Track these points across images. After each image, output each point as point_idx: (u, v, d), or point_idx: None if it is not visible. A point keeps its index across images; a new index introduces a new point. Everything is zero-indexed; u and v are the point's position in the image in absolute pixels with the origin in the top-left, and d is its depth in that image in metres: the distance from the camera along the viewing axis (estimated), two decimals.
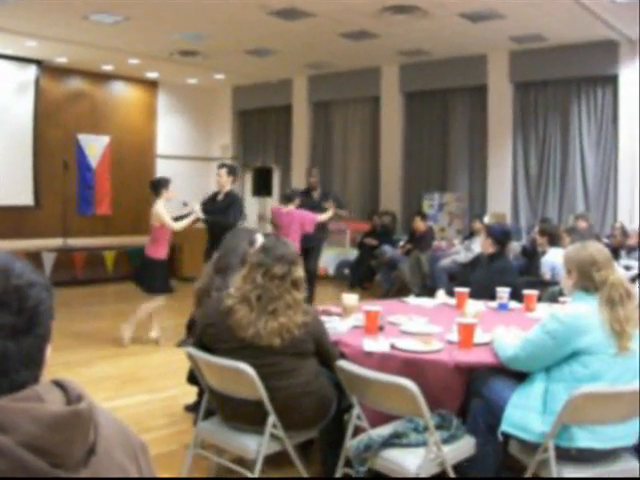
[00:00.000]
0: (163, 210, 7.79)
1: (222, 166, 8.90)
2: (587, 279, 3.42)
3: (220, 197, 8.68)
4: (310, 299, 8.71)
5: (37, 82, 13.88)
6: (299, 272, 3.62)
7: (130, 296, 9.13)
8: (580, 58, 11.76)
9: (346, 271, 13.03)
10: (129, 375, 6.57)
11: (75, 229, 13.65)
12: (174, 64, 13.81)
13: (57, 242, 12.78)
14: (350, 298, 4.62)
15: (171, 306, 8.53)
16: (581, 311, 3.32)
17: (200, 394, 4.73)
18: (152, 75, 15.34)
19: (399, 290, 11.36)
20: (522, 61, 12.45)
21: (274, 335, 3.44)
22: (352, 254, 13.17)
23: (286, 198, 9.76)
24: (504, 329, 3.88)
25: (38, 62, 13.75)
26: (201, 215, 8.28)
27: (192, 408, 5.22)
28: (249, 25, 10.93)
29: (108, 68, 14.51)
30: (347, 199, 14.02)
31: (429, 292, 10.50)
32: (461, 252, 11.06)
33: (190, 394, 5.29)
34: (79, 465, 1.22)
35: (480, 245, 6.27)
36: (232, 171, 8.80)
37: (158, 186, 8.08)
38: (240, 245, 4.44)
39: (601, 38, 11.26)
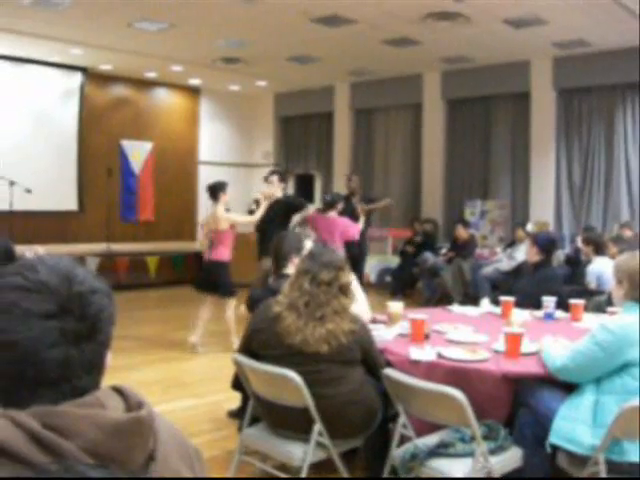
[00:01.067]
0: (224, 212, 7.89)
1: (274, 172, 8.93)
2: (637, 289, 3.37)
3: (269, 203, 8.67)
4: None
5: (82, 89, 14.06)
6: (346, 278, 3.62)
7: (173, 301, 9.22)
8: (624, 64, 11.60)
9: (388, 278, 12.99)
10: (173, 380, 6.62)
11: (118, 234, 13.79)
12: (217, 71, 13.91)
13: (101, 247, 12.92)
14: (395, 306, 4.60)
15: (213, 313, 8.55)
16: (632, 322, 3.27)
17: (244, 400, 4.75)
18: (195, 82, 15.45)
19: (441, 298, 11.31)
20: (565, 67, 12.33)
21: (322, 341, 3.44)
22: (394, 261, 13.13)
23: (328, 204, 9.69)
24: (552, 339, 3.84)
25: (83, 69, 13.93)
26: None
27: (235, 414, 5.23)
28: (291, 32, 10.98)
29: (151, 75, 14.65)
30: (388, 206, 13.99)
31: (471, 300, 10.45)
32: (504, 260, 10.97)
33: (234, 400, 5.30)
34: (139, 471, 1.24)
35: (525, 253, 6.21)
36: (284, 177, 8.86)
37: (216, 190, 8.20)
38: (292, 250, 4.48)
39: None
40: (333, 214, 9.46)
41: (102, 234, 13.34)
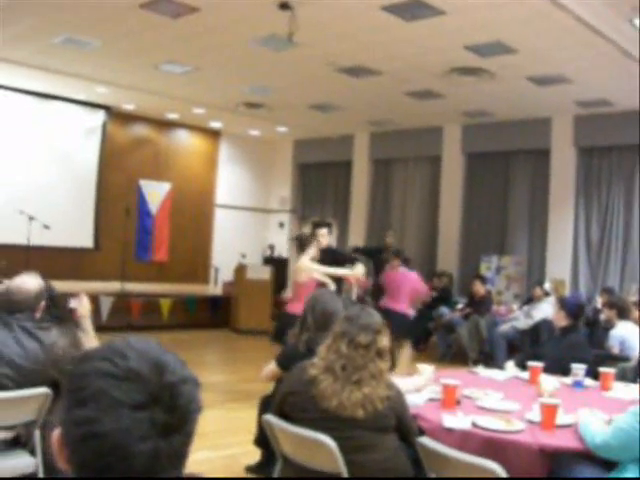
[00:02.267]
0: (307, 264, 7.59)
1: (324, 225, 8.79)
2: None
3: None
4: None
5: (104, 127, 14.17)
6: (384, 341, 3.56)
7: (186, 345, 9.14)
8: None
9: None
10: None
11: (132, 274, 13.77)
12: (238, 115, 14.00)
13: (114, 286, 12.90)
14: (426, 370, 4.55)
15: (225, 360, 8.48)
16: None
17: (266, 457, 4.66)
18: (215, 125, 15.55)
19: (455, 354, 11.22)
20: (587, 126, 12.36)
21: (357, 406, 3.37)
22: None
23: (405, 259, 9.65)
24: (588, 412, 3.75)
25: (106, 108, 14.04)
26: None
27: (254, 469, 5.14)
28: (315, 80, 11.06)
29: (173, 116, 14.75)
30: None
31: (486, 357, 10.38)
32: (520, 318, 10.88)
33: (252, 454, 5.20)
34: None
35: (554, 318, 6.13)
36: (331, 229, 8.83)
37: (304, 242, 7.91)
38: (339, 307, 4.44)
39: None
40: (403, 268, 9.40)
41: (116, 273, 13.33)
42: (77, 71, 11.27)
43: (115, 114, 14.36)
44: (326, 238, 8.48)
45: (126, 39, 9.42)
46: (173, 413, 1.18)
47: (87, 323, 4.19)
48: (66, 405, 1.18)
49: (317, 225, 9.05)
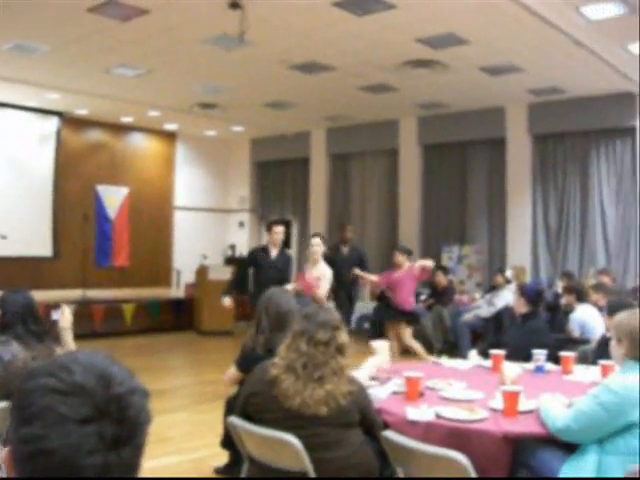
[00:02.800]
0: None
1: (280, 223, 9.04)
2: (638, 348, 3.34)
3: (275, 254, 8.69)
4: None
5: (58, 134, 14.00)
6: (343, 337, 3.57)
7: (150, 350, 9.08)
8: (598, 110, 11.79)
9: (366, 325, 12.91)
10: (154, 435, 6.37)
11: (93, 280, 13.64)
12: (193, 116, 13.92)
13: (76, 293, 12.77)
14: (382, 346, 4.59)
15: (190, 362, 8.43)
16: (635, 382, 3.24)
17: (234, 458, 4.65)
18: (171, 127, 15.46)
19: (420, 345, 11.24)
20: (540, 113, 12.49)
21: (320, 404, 3.37)
22: (372, 308, 13.04)
23: (407, 251, 9.81)
24: (550, 397, 3.79)
25: (59, 114, 13.87)
26: None
27: (223, 471, 5.12)
28: (269, 78, 11.03)
29: (128, 120, 14.63)
30: (365, 251, 14.03)
31: (451, 347, 10.45)
32: (483, 306, 10.96)
33: (220, 455, 5.18)
34: None
35: (513, 304, 6.19)
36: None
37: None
38: (292, 305, 4.42)
39: (619, 90, 11.30)
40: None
41: (77, 280, 13.21)
42: (27, 78, 11.11)
43: (69, 120, 14.19)
44: (281, 235, 8.53)
45: (75, 44, 9.31)
46: (122, 425, 1.16)
47: (68, 335, 4.18)
48: (14, 423, 1.16)
49: (273, 223, 9.04)
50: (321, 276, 8.41)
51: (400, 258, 9.48)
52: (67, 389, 1.14)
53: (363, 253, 11.58)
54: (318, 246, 8.62)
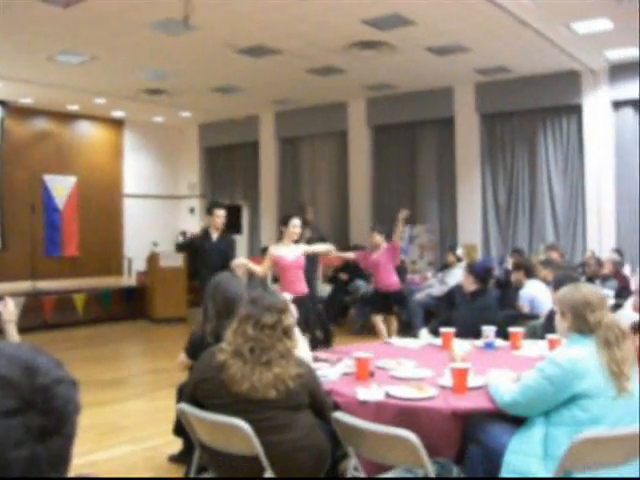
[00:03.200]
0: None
1: (222, 206, 8.81)
2: (582, 321, 3.39)
3: (216, 237, 8.58)
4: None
5: (2, 123, 13.74)
6: (289, 320, 3.56)
7: (102, 340, 9.00)
8: (544, 88, 11.93)
9: (319, 307, 12.91)
10: (108, 425, 6.39)
11: (43, 271, 13.45)
12: (140, 103, 13.77)
13: (25, 285, 12.57)
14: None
15: (143, 351, 8.36)
16: (579, 354, 3.29)
17: (187, 445, 4.62)
18: (118, 114, 15.27)
19: (373, 326, 11.29)
20: (488, 93, 12.59)
21: (269, 387, 3.36)
22: (325, 290, 13.06)
23: (383, 230, 9.74)
24: (498, 372, 3.84)
25: (2, 103, 13.61)
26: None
27: (177, 459, 5.09)
28: (215, 63, 10.95)
29: (74, 108, 14.42)
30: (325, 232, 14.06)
31: (404, 326, 10.50)
32: (435, 285, 11.05)
33: (174, 443, 5.16)
34: None
35: (462, 282, 6.24)
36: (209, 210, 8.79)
37: None
38: (240, 291, 4.35)
39: (564, 69, 11.44)
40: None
41: (26, 272, 13.01)
42: None
43: (13, 109, 13.94)
44: (222, 218, 8.47)
45: (16, 31, 9.13)
46: (49, 416, 1.14)
47: (12, 328, 4.07)
48: None
49: (215, 206, 8.96)
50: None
51: (377, 238, 9.46)
52: None
53: (324, 234, 11.57)
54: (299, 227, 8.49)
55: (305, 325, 6.88)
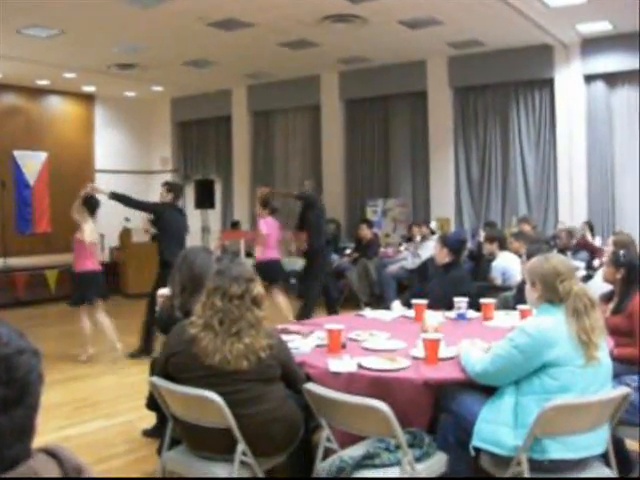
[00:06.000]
0: None
1: (164, 184, 8.82)
2: (552, 291, 3.42)
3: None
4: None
5: None
6: (258, 289, 3.56)
7: (75, 316, 8.93)
8: (517, 62, 11.95)
9: (293, 281, 12.93)
10: (81, 400, 6.38)
11: (14, 248, 13.33)
12: (111, 77, 13.62)
13: None
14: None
15: (116, 326, 8.32)
16: (548, 324, 3.32)
17: (160, 419, 4.63)
18: (89, 89, 15.11)
19: (347, 299, 11.35)
20: (460, 66, 12.59)
21: (241, 358, 3.37)
22: (298, 264, 13.03)
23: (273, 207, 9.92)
24: (469, 343, 3.87)
25: None
26: None
27: (151, 433, 5.10)
28: (187, 36, 10.84)
29: (43, 83, 14.24)
30: (290, 208, 14.02)
31: (378, 299, 10.56)
32: (408, 258, 11.09)
33: (148, 418, 5.16)
34: None
35: (434, 254, 6.27)
36: (172, 188, 8.69)
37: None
38: (207, 265, 4.29)
39: (536, 42, 11.46)
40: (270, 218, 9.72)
41: None
42: None
43: None
44: (164, 196, 8.53)
45: None
46: (10, 386, 1.13)
47: None
48: None
49: (162, 185, 8.99)
50: None
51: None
52: None
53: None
54: None
55: None
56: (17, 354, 1.16)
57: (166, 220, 8.39)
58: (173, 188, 8.79)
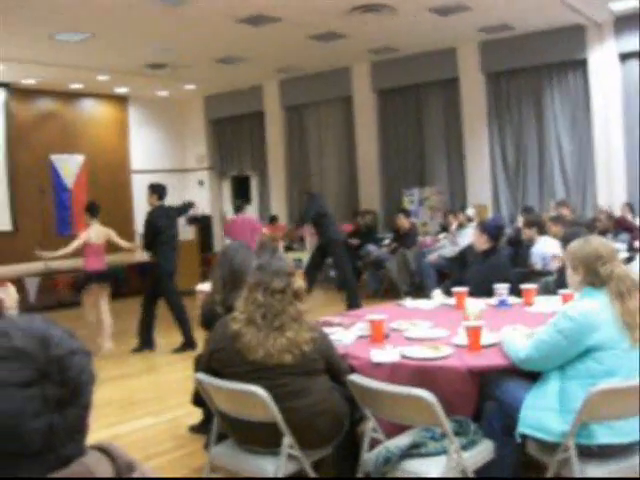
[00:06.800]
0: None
1: (148, 187, 9.13)
2: (594, 274, 3.39)
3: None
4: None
5: (6, 105, 13.72)
6: (298, 283, 3.58)
7: (118, 314, 9.06)
8: (549, 44, 11.81)
9: (332, 273, 12.95)
10: (128, 399, 6.47)
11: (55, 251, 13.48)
12: (143, 78, 13.72)
13: (39, 266, 12.61)
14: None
15: (158, 324, 8.42)
16: (592, 307, 3.30)
17: (207, 415, 4.67)
18: (122, 90, 15.23)
19: (387, 289, 11.36)
20: (492, 51, 12.48)
21: (284, 352, 3.40)
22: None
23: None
24: (511, 329, 3.85)
25: (6, 85, 13.58)
26: None
27: (198, 429, 5.15)
28: (217, 34, 10.88)
29: (77, 86, 14.38)
30: (326, 201, 14.11)
31: (418, 289, 10.54)
32: (447, 246, 11.04)
33: (194, 414, 5.22)
34: None
35: (474, 241, 6.24)
36: (155, 189, 8.96)
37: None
38: (248, 262, 4.33)
39: (568, 23, 11.32)
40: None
41: None
42: None
43: (16, 90, 13.90)
44: (148, 197, 8.75)
45: (14, 11, 9.05)
46: (64, 386, 1.16)
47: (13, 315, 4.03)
48: None
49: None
50: None
51: None
52: (6, 354, 1.14)
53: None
54: None
55: None
56: (70, 355, 1.18)
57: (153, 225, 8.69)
58: (156, 189, 8.97)
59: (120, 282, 12.82)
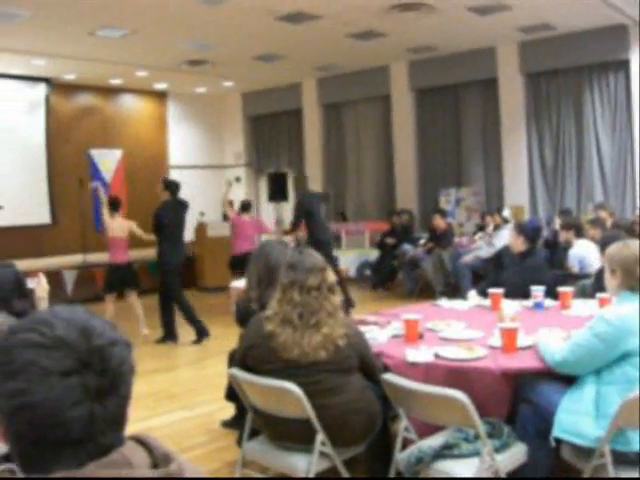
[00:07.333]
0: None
1: (160, 182, 9.37)
2: (632, 278, 3.36)
3: None
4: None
5: (47, 100, 13.88)
6: (331, 276, 3.59)
7: (152, 309, 9.13)
8: (590, 44, 11.67)
9: (367, 272, 12.96)
10: (162, 392, 6.52)
11: (94, 245, 13.60)
12: (182, 74, 13.81)
13: (77, 259, 12.78)
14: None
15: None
16: (630, 311, 3.26)
17: (239, 410, 4.70)
18: (161, 86, 15.33)
19: (422, 289, 11.32)
20: (531, 51, 12.37)
21: (319, 348, 3.40)
22: (372, 255, 13.07)
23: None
24: (547, 332, 3.82)
25: (47, 80, 13.75)
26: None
27: (230, 424, 5.18)
28: (256, 31, 10.90)
29: (116, 82, 14.51)
30: (363, 199, 14.14)
31: (453, 289, 10.49)
32: (483, 247, 10.97)
33: (227, 409, 5.25)
34: None
35: (510, 242, 6.20)
36: (167, 185, 9.16)
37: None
38: (282, 258, 4.31)
39: (609, 23, 11.17)
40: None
41: (78, 246, 13.20)
42: (10, 45, 10.95)
43: (57, 85, 14.05)
44: (159, 192, 8.89)
45: (56, 7, 9.15)
46: (105, 376, 1.18)
47: (44, 304, 4.08)
48: None
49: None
50: None
51: None
52: (49, 343, 1.16)
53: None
54: None
55: None
56: (110, 345, 1.20)
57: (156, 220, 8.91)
58: (168, 185, 9.18)
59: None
